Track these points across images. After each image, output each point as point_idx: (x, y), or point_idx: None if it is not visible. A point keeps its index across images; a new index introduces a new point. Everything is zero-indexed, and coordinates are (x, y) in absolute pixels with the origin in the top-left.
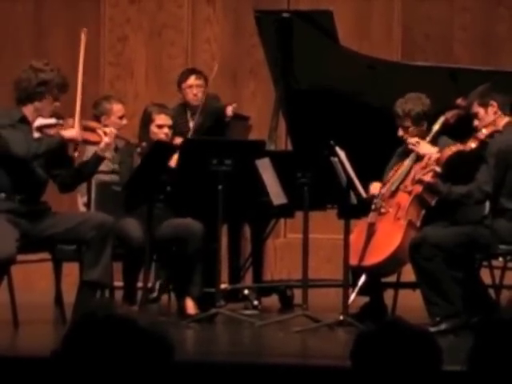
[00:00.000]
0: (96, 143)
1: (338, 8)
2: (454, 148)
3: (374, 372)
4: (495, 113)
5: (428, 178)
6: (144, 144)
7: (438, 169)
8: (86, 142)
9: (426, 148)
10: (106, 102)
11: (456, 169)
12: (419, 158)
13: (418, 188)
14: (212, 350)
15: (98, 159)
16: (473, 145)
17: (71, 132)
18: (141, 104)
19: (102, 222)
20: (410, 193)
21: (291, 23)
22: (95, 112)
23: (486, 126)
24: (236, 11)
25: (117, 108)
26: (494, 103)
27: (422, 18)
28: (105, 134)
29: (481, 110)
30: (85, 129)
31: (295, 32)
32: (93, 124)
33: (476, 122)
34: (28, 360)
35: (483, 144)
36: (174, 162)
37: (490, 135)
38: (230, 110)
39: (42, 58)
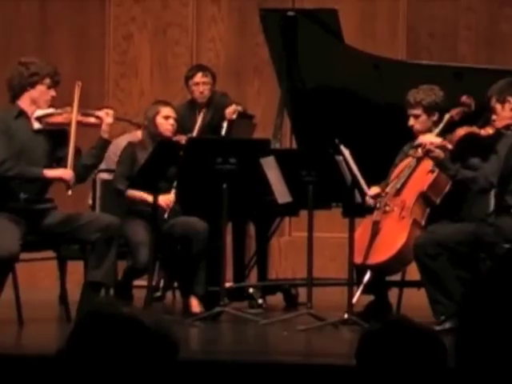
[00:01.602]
0: (97, 126)
1: (342, 7)
2: (469, 129)
3: (378, 371)
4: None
5: (438, 151)
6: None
7: (449, 145)
8: (87, 125)
9: (433, 139)
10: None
11: (467, 151)
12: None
13: (421, 178)
14: (216, 349)
15: (103, 142)
16: (489, 131)
17: (64, 173)
18: (146, 102)
19: (107, 224)
20: (418, 160)
21: (296, 22)
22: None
23: (502, 120)
24: (241, 10)
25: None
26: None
27: (426, 17)
28: (105, 114)
29: (498, 106)
30: (83, 114)
31: (300, 30)
32: (91, 110)
33: (494, 117)
34: (33, 358)
35: (498, 134)
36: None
37: (507, 126)
38: (229, 113)
39: (47, 57)
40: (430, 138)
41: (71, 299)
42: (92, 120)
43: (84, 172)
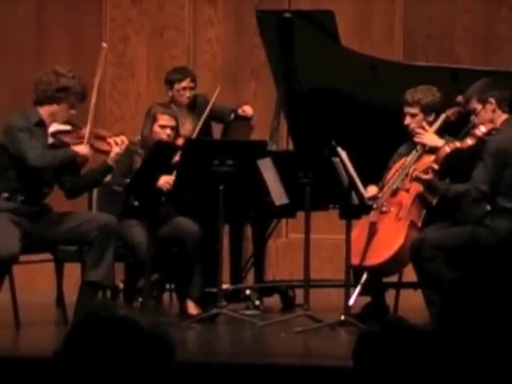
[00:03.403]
0: (106, 152)
1: (339, 8)
2: (452, 146)
3: (376, 372)
4: (493, 110)
5: (425, 175)
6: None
7: (435, 166)
8: (97, 151)
9: (432, 139)
10: None
11: (453, 166)
12: (421, 155)
13: (416, 186)
14: (214, 351)
15: (106, 168)
16: (470, 142)
17: (83, 149)
18: (142, 104)
19: (105, 223)
20: (407, 191)
21: (292, 23)
22: None
23: (483, 123)
24: (237, 12)
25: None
26: (493, 100)
27: (423, 18)
28: (116, 143)
29: (479, 107)
30: (96, 137)
31: (296, 32)
32: (104, 133)
33: (473, 118)
34: (30, 361)
35: (481, 141)
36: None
37: (488, 133)
38: (247, 110)
39: (43, 59)
40: (429, 137)
41: (68, 301)
42: (103, 147)
43: (79, 190)
